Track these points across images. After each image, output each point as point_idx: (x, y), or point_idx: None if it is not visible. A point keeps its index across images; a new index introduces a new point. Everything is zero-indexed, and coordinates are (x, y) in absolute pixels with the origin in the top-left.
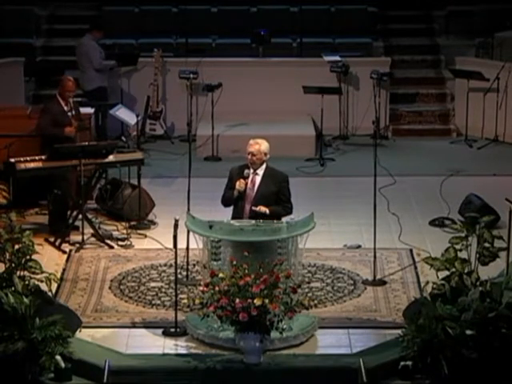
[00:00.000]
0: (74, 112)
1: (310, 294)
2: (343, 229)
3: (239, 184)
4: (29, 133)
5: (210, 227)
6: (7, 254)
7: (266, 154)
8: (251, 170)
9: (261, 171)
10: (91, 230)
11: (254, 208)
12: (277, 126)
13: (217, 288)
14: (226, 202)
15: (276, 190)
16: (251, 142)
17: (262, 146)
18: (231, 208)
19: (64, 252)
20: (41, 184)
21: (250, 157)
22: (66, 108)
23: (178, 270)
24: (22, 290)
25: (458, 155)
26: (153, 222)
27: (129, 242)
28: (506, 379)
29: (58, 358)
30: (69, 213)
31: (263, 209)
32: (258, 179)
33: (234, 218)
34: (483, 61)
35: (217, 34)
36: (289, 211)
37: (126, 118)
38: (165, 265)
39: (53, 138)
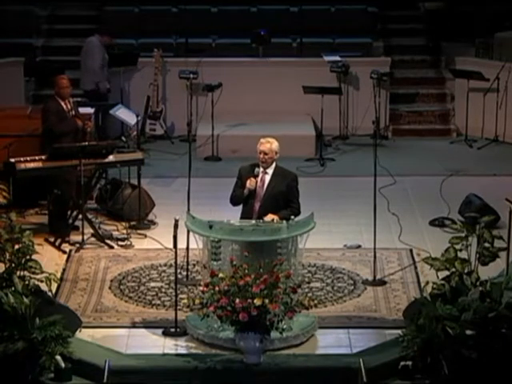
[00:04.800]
0: (74, 112)
1: (310, 294)
2: (343, 229)
3: (250, 182)
4: (29, 133)
5: (210, 227)
6: (7, 254)
7: (276, 153)
8: (261, 169)
9: (270, 170)
10: (91, 230)
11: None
12: (277, 125)
13: (217, 288)
14: (235, 200)
15: (285, 189)
16: (262, 140)
17: (273, 144)
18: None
19: (64, 252)
20: (41, 184)
21: (261, 156)
22: (65, 107)
23: (178, 270)
24: (22, 290)
25: (458, 155)
26: (153, 222)
27: (129, 242)
28: (506, 379)
29: (58, 357)
30: (69, 213)
31: (272, 217)
32: (268, 178)
33: (243, 216)
34: (483, 61)
35: (217, 34)
36: (296, 212)
37: (126, 118)
38: (165, 265)
39: (65, 134)
